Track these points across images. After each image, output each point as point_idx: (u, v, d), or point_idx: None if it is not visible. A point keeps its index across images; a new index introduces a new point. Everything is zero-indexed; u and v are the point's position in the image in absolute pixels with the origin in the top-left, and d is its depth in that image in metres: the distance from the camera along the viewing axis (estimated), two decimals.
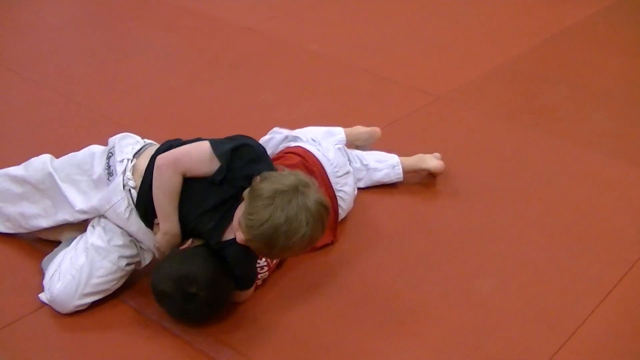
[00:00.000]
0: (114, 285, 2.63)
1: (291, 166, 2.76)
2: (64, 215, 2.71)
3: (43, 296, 2.62)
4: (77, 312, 2.58)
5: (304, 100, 3.97)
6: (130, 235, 2.62)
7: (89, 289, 2.57)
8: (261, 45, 4.54)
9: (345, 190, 3.03)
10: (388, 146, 3.45)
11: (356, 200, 3.14)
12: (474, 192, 3.37)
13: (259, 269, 2.68)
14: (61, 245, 2.76)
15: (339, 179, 3.01)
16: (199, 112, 3.83)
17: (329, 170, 2.99)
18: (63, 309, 2.58)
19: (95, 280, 2.57)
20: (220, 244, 2.51)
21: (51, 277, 2.61)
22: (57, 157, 2.80)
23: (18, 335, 2.52)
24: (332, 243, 2.96)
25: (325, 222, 2.44)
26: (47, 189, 2.72)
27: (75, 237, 2.71)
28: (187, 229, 2.56)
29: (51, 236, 2.82)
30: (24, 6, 4.88)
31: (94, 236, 2.62)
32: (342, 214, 3.05)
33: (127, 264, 2.63)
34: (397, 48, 4.65)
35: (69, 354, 2.49)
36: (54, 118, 3.73)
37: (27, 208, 2.76)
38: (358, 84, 4.20)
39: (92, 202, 2.64)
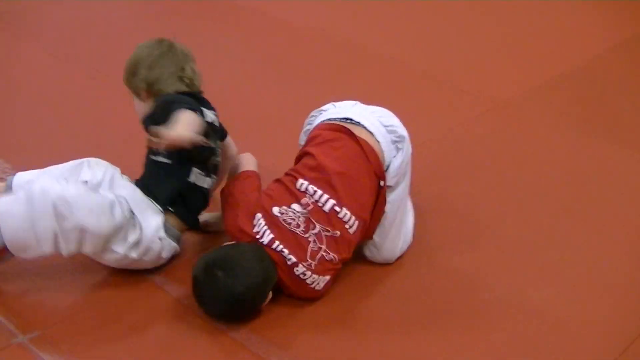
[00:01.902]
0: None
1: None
2: None
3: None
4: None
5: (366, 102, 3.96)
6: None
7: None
8: (326, 47, 4.54)
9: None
10: (450, 152, 3.43)
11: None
12: (538, 201, 3.32)
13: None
14: None
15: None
16: (265, 113, 3.85)
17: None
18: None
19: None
20: None
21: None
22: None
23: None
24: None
25: None
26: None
27: None
28: None
29: None
30: (91, 7, 4.95)
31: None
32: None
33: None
34: (462, 52, 4.62)
35: None
36: (117, 120, 3.77)
37: None
38: (422, 88, 4.18)
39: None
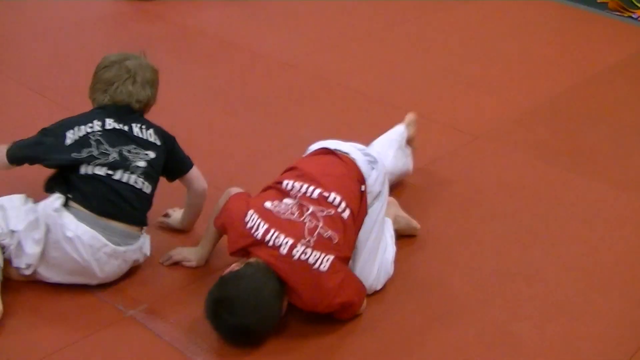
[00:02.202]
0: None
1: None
2: None
3: None
4: None
5: (341, 136, 3.97)
6: None
7: None
8: (300, 80, 4.56)
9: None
10: (426, 185, 3.45)
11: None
12: (512, 233, 3.35)
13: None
14: None
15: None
16: (237, 146, 3.86)
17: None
18: None
19: None
20: None
21: None
22: None
23: None
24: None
25: None
26: None
27: None
28: None
29: None
30: (66, 37, 4.95)
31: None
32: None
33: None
34: (436, 85, 4.65)
35: None
36: None
37: None
38: (397, 122, 4.19)
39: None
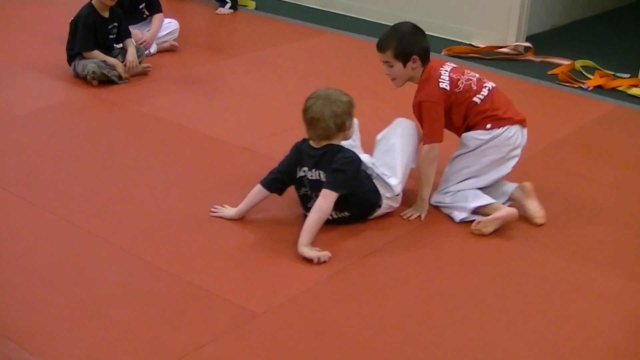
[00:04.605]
0: None
1: None
2: None
3: None
4: None
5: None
6: None
7: None
8: (258, 165, 4.57)
9: None
10: (387, 265, 3.46)
11: None
12: (469, 309, 3.37)
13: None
14: None
15: None
16: (196, 232, 3.86)
17: None
18: None
19: None
20: None
21: None
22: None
23: None
24: None
25: None
26: None
27: None
28: None
29: None
30: (22, 127, 4.95)
31: None
32: None
33: None
34: None
35: None
36: (52, 241, 3.75)
37: None
38: None
39: None
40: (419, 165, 4.06)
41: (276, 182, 3.93)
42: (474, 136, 4.03)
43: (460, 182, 4.07)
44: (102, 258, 3.62)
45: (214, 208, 4.00)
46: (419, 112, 4.03)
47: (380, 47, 4.03)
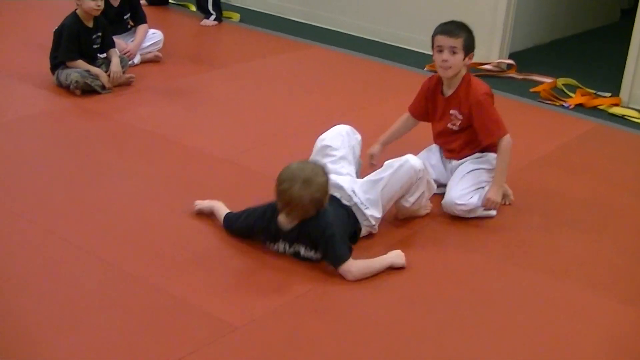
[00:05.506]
0: None
1: None
2: None
3: None
4: None
5: None
6: None
7: None
8: (239, 177, 4.58)
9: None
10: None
11: None
12: (448, 324, 3.38)
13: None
14: None
15: None
16: (175, 243, 3.86)
17: None
18: None
19: None
20: None
21: None
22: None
23: None
24: None
25: None
26: None
27: None
28: None
29: None
30: (2, 135, 4.93)
31: None
32: None
33: None
34: None
35: None
36: (31, 249, 3.73)
37: None
38: None
39: None
40: (504, 156, 4.19)
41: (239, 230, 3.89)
42: (493, 159, 4.28)
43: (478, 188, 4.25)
44: (81, 268, 3.61)
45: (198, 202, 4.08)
46: (479, 112, 4.18)
47: (455, 33, 4.16)
